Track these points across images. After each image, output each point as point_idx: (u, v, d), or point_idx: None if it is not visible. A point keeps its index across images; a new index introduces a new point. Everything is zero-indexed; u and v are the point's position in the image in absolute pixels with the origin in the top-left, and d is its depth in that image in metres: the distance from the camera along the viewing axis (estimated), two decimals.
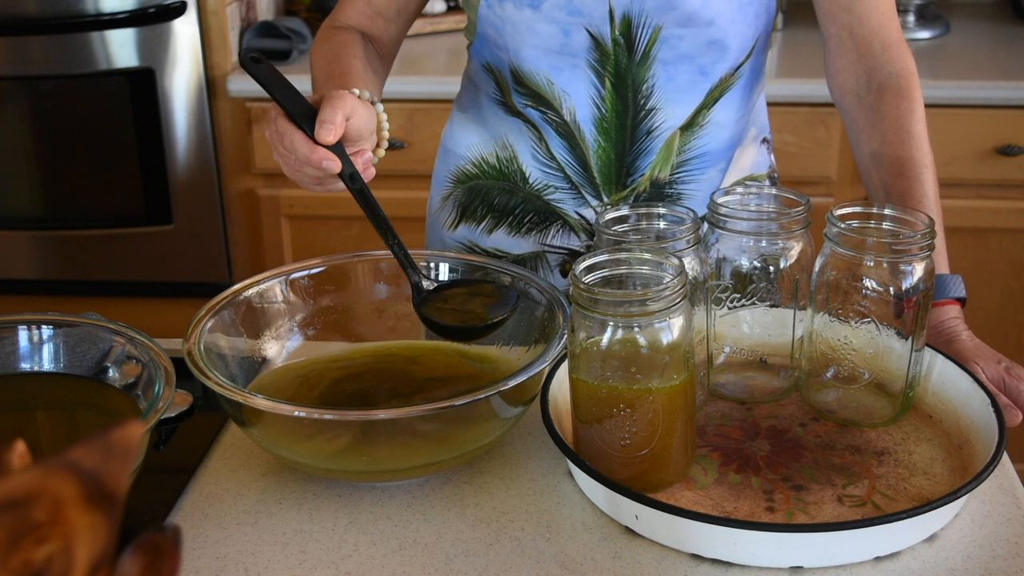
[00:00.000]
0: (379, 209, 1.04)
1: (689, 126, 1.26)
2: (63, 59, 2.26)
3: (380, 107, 1.09)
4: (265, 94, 1.04)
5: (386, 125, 1.10)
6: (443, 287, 1.07)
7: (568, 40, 1.21)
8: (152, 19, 2.24)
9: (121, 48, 2.25)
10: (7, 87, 2.29)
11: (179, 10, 2.24)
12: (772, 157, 1.38)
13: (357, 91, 1.07)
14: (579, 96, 1.24)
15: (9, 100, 2.30)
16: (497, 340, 1.09)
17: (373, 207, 1.03)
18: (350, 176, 1.02)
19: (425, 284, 1.06)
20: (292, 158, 1.02)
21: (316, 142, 1.00)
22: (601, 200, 1.28)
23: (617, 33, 1.20)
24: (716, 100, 1.25)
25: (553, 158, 1.28)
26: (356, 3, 1.29)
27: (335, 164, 1.01)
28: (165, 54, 2.26)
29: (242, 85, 2.28)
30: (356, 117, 1.03)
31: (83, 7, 2.23)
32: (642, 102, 1.23)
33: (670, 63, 1.22)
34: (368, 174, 1.05)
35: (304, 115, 1.01)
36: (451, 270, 1.14)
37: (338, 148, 1.02)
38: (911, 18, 2.48)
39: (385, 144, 1.10)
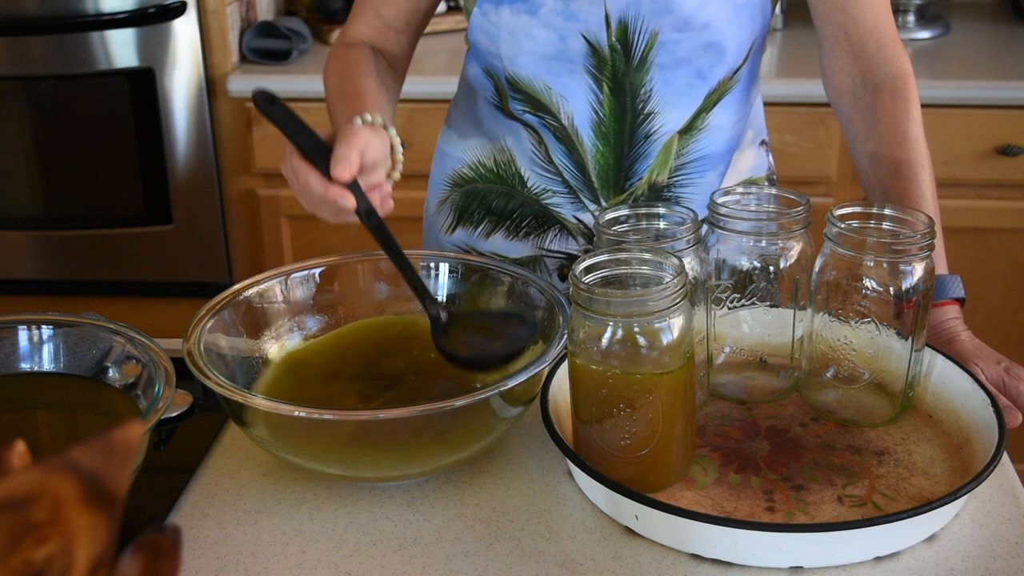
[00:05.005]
0: (396, 244, 1.03)
1: (688, 130, 1.25)
2: (63, 59, 2.26)
3: (392, 131, 1.08)
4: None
5: (399, 147, 1.08)
6: (459, 316, 1.06)
7: (565, 46, 1.21)
8: (152, 19, 2.23)
9: (121, 48, 2.25)
10: (7, 87, 2.29)
11: (179, 10, 2.24)
12: (770, 158, 1.38)
13: (369, 117, 1.06)
14: (577, 101, 1.24)
15: (9, 100, 2.30)
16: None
17: (389, 243, 1.02)
18: (366, 212, 1.01)
19: (443, 316, 1.04)
20: (308, 195, 1.02)
21: (331, 179, 0.99)
22: (599, 204, 1.28)
23: (614, 39, 1.19)
24: (715, 104, 1.25)
25: (551, 162, 1.28)
26: (366, 17, 1.29)
27: (350, 201, 0.99)
28: (165, 54, 2.26)
29: (242, 85, 2.28)
30: (370, 148, 1.01)
31: (83, 7, 2.23)
32: (640, 106, 1.23)
33: (667, 67, 1.21)
34: (386, 207, 1.04)
35: (319, 152, 1.00)
36: (451, 271, 1.14)
37: (353, 185, 1.00)
38: (911, 18, 2.48)
39: (399, 167, 1.08)
